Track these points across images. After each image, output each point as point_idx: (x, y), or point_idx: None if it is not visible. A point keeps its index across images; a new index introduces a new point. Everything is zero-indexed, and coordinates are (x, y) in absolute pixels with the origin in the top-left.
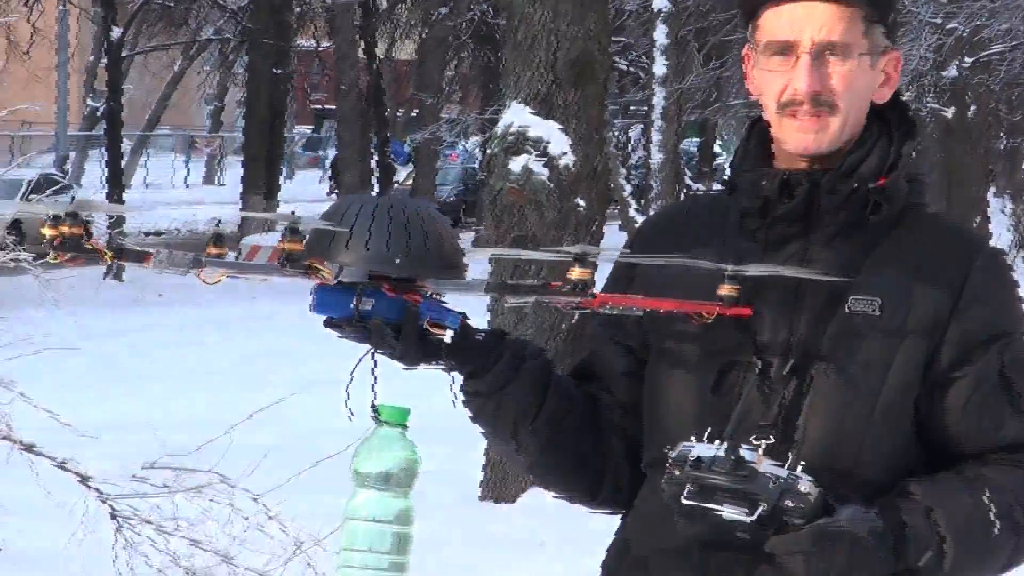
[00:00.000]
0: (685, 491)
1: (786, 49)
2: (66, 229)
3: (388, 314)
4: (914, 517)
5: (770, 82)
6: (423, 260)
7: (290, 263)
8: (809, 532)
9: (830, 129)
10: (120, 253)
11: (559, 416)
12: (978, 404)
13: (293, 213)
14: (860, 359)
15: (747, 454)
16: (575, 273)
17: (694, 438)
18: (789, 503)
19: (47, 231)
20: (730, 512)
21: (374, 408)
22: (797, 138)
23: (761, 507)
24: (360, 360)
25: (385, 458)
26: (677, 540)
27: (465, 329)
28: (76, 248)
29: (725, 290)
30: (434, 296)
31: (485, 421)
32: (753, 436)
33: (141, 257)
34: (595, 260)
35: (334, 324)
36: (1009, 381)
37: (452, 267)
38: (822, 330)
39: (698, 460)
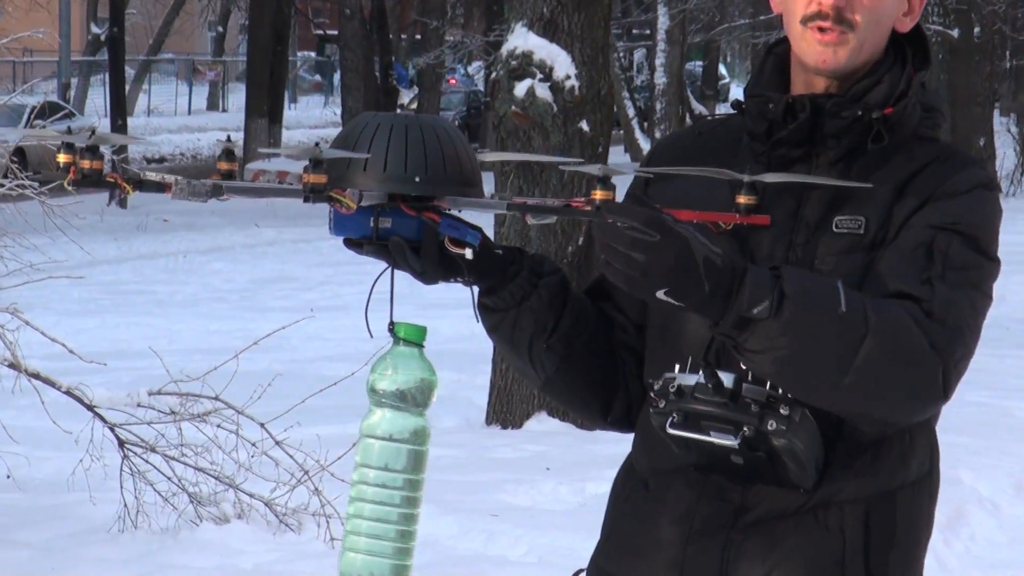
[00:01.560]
0: (668, 422)
1: None
2: (87, 164)
3: (407, 232)
4: (760, 270)
5: None
6: (441, 179)
7: (313, 196)
8: (646, 214)
9: (848, 45)
10: (140, 184)
11: (574, 333)
12: (894, 263)
13: (316, 146)
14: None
15: (727, 379)
16: (598, 195)
17: (677, 367)
18: (771, 425)
19: (62, 157)
20: (717, 438)
21: (392, 326)
22: (817, 51)
23: (744, 430)
24: (378, 278)
25: (401, 376)
26: (674, 461)
27: (484, 245)
28: (97, 182)
29: (743, 199)
30: (452, 213)
31: (501, 336)
32: (742, 360)
33: (162, 187)
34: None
35: (354, 243)
36: (932, 256)
37: (470, 184)
38: (814, 251)
39: (680, 390)
